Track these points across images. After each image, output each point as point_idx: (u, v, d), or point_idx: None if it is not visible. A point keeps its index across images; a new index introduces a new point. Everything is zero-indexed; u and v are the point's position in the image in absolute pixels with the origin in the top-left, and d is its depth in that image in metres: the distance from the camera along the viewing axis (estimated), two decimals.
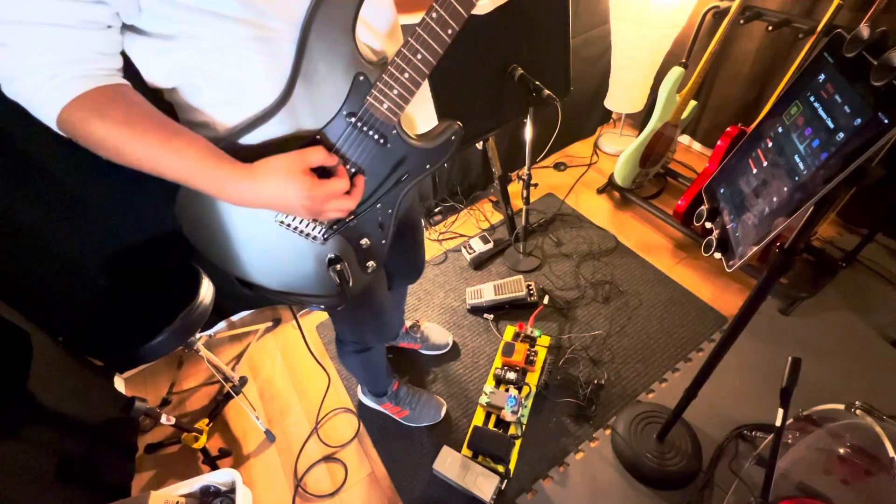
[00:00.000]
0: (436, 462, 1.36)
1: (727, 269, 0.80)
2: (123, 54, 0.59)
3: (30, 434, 1.17)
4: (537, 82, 1.40)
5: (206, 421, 1.50)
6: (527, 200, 1.80)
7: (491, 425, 1.45)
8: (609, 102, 2.33)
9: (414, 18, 0.81)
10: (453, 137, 0.75)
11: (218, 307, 1.65)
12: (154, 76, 0.61)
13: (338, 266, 0.77)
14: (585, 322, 1.75)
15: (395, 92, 0.65)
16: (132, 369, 1.78)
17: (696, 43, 1.85)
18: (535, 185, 1.83)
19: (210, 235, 0.72)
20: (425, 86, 0.80)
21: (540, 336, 1.63)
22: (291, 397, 1.67)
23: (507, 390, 1.49)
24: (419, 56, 0.63)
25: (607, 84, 2.29)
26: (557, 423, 1.48)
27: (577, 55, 2.08)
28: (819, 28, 1.46)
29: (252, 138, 0.63)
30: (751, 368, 1.54)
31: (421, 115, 0.86)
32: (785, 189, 0.69)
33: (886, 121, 0.53)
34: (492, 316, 1.80)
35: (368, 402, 1.56)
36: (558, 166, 2.48)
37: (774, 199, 0.71)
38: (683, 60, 1.82)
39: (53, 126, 0.55)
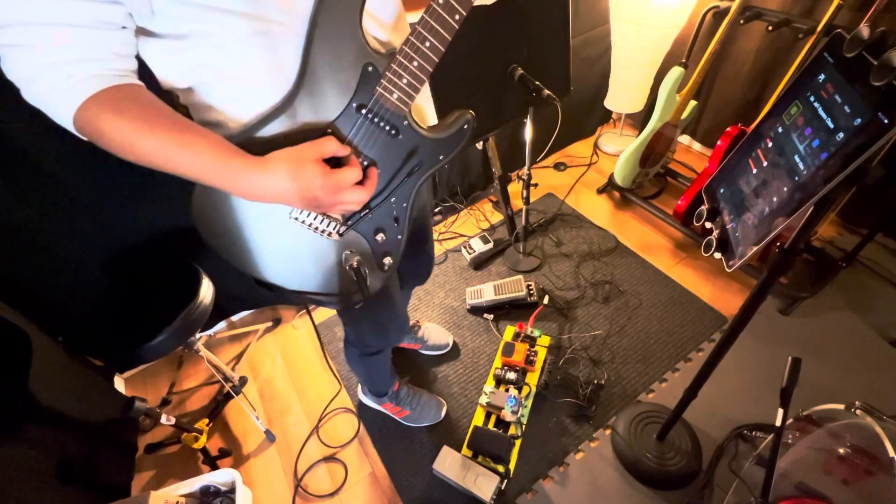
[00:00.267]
0: (436, 462, 1.36)
1: (727, 269, 0.80)
2: (138, 58, 0.59)
3: (30, 434, 1.17)
4: (537, 82, 1.40)
5: (206, 421, 1.50)
6: (527, 200, 1.80)
7: (491, 425, 1.45)
8: (609, 102, 2.33)
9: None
10: (466, 127, 0.74)
11: (218, 307, 1.65)
12: (169, 77, 0.62)
13: (354, 262, 0.76)
14: (585, 322, 1.75)
15: (405, 81, 0.64)
16: (132, 369, 1.78)
17: (696, 43, 1.85)
18: (535, 185, 1.83)
19: (226, 236, 0.72)
20: None
21: (540, 336, 1.63)
22: (291, 397, 1.67)
23: (507, 390, 1.49)
24: (427, 43, 0.62)
25: (607, 84, 2.29)
26: (557, 423, 1.48)
27: (577, 55, 2.08)
28: (819, 28, 1.46)
29: (264, 133, 0.63)
30: (751, 368, 1.54)
31: (431, 107, 0.86)
32: (785, 189, 0.69)
33: (886, 121, 0.53)
34: (492, 316, 1.80)
35: (369, 402, 1.56)
36: (558, 166, 2.48)
37: (774, 199, 0.71)
38: (683, 60, 1.82)
39: (70, 126, 0.56)
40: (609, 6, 2.02)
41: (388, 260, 0.83)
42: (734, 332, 0.96)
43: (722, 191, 0.87)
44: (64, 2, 0.50)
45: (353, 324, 1.15)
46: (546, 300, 1.79)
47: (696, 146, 2.45)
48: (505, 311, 1.81)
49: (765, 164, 0.76)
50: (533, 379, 1.53)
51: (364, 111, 0.66)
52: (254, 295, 1.86)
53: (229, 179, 0.60)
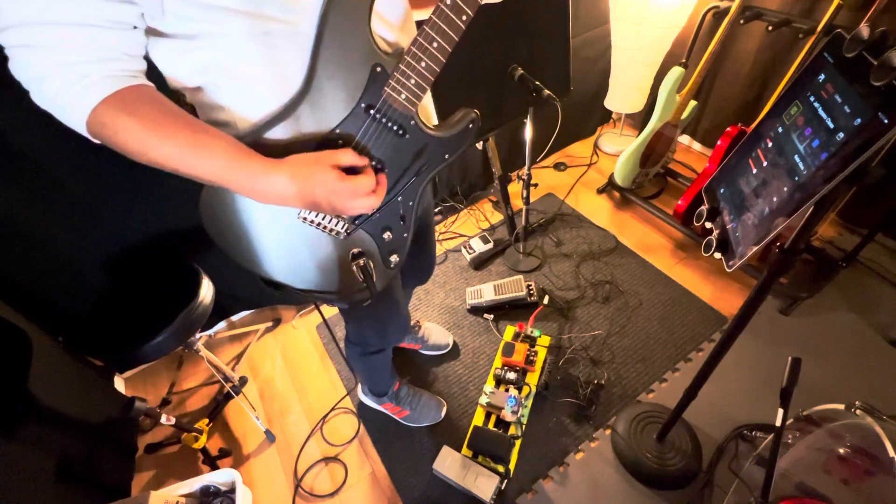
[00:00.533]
0: (436, 462, 1.36)
1: (727, 269, 0.80)
2: (145, 58, 0.59)
3: (30, 434, 1.17)
4: (537, 82, 1.40)
5: (206, 421, 1.50)
6: (527, 200, 1.80)
7: (491, 425, 1.45)
8: (609, 102, 2.33)
9: (427, 14, 0.82)
10: (471, 126, 0.75)
11: (218, 307, 1.65)
12: (178, 77, 0.62)
13: (360, 261, 0.77)
14: (585, 322, 1.75)
15: (413, 82, 0.65)
16: (132, 369, 1.78)
17: (696, 43, 1.85)
18: (535, 185, 1.83)
19: (234, 236, 0.73)
20: None
21: (540, 336, 1.63)
22: (291, 397, 1.67)
23: (507, 390, 1.49)
24: (435, 44, 0.63)
25: (607, 84, 2.29)
26: (557, 423, 1.48)
27: (577, 55, 2.08)
28: (819, 28, 1.46)
29: (274, 134, 0.64)
30: (751, 368, 1.54)
31: (433, 106, 0.87)
32: (785, 189, 0.69)
33: (886, 121, 0.53)
34: (492, 316, 1.80)
35: (369, 401, 1.56)
36: (558, 166, 2.48)
37: (774, 199, 0.71)
38: (683, 60, 1.82)
39: (81, 129, 0.56)
40: (609, 6, 2.02)
41: (394, 258, 0.84)
42: (734, 332, 0.96)
43: (722, 191, 0.87)
44: (76, 1, 0.49)
45: (354, 322, 1.15)
46: (546, 300, 1.79)
47: (696, 146, 2.45)
48: (505, 311, 1.81)
49: (765, 164, 0.76)
50: (533, 379, 1.53)
51: (372, 111, 0.66)
52: (254, 295, 1.86)
53: (246, 182, 0.60)
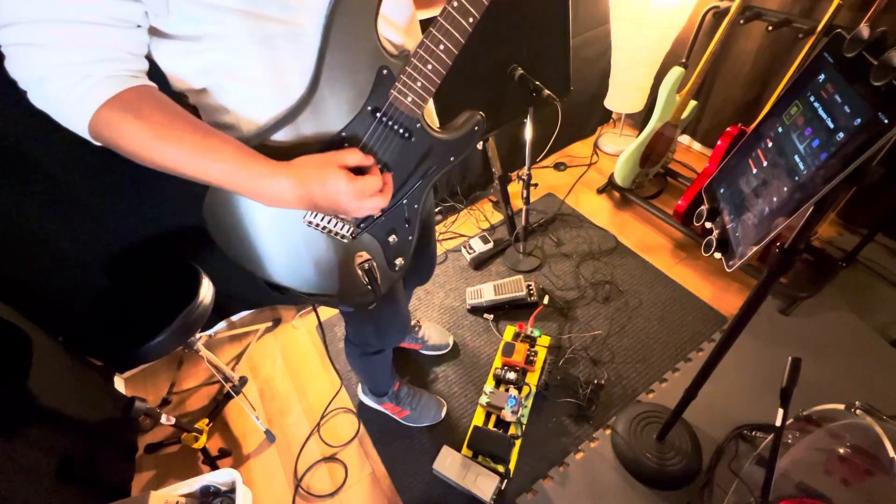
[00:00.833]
0: (436, 462, 1.36)
1: (727, 269, 0.80)
2: (148, 59, 0.58)
3: (30, 434, 1.17)
4: (537, 82, 1.40)
5: (206, 421, 1.50)
6: (527, 200, 1.80)
7: (491, 425, 1.45)
8: (609, 102, 2.33)
9: (432, 13, 0.82)
10: (476, 128, 0.76)
11: (218, 307, 1.65)
12: (182, 78, 0.61)
13: (365, 264, 0.77)
14: (585, 322, 1.75)
15: (419, 84, 0.65)
16: (132, 369, 1.78)
17: (696, 43, 1.85)
18: (535, 185, 1.83)
19: (238, 239, 0.72)
20: None
21: (540, 336, 1.63)
22: (291, 397, 1.67)
23: (507, 390, 1.49)
24: (441, 46, 0.63)
25: (607, 84, 2.29)
26: (557, 423, 1.48)
27: (577, 55, 2.07)
28: (819, 28, 1.46)
29: (279, 137, 0.63)
30: (751, 368, 1.54)
31: (434, 106, 0.87)
32: (785, 189, 0.69)
33: (886, 121, 0.53)
34: (492, 316, 1.80)
35: (369, 401, 1.56)
36: (558, 166, 2.48)
37: (774, 199, 0.71)
38: (683, 60, 1.82)
39: (83, 131, 0.54)
40: (609, 6, 2.02)
41: (399, 261, 0.84)
42: (734, 332, 0.96)
43: (722, 191, 0.87)
44: None
45: (355, 323, 1.15)
46: (546, 300, 1.79)
47: (696, 146, 2.45)
48: (505, 311, 1.81)
49: (765, 164, 0.76)
50: (533, 379, 1.53)
51: (378, 114, 0.66)
52: (254, 295, 1.86)
53: (252, 184, 0.59)
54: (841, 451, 1.05)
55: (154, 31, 0.56)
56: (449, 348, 1.71)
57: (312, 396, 1.66)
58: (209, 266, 1.43)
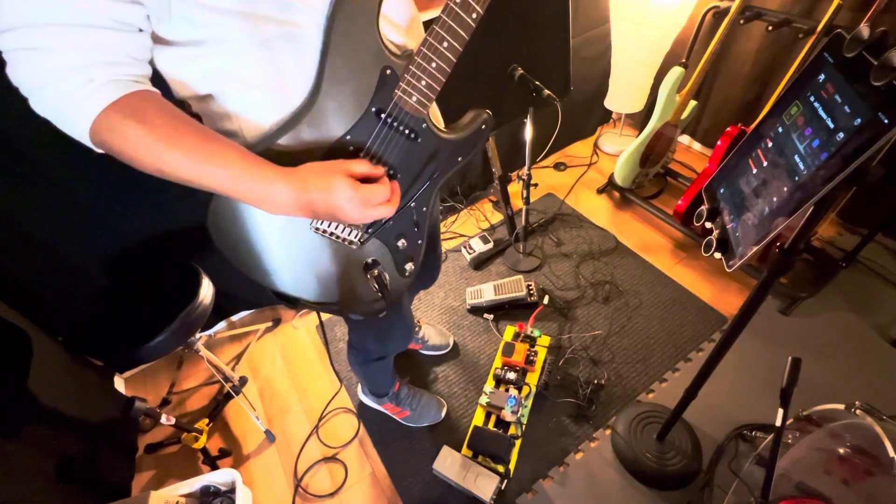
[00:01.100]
0: (436, 462, 1.36)
1: (727, 269, 0.80)
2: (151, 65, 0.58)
3: (30, 434, 1.17)
4: (537, 82, 1.40)
5: (206, 421, 1.50)
6: (527, 200, 1.80)
7: (491, 425, 1.45)
8: (609, 102, 2.33)
9: (435, 13, 0.82)
10: (483, 127, 0.75)
11: (218, 307, 1.65)
12: (184, 84, 0.60)
13: (375, 271, 0.76)
14: (585, 322, 1.75)
15: (424, 83, 0.64)
16: (132, 369, 1.78)
17: (696, 43, 1.85)
18: (535, 185, 1.83)
19: (245, 250, 0.71)
20: None
21: (540, 336, 1.63)
22: (291, 397, 1.67)
23: (507, 390, 1.49)
24: (445, 43, 0.62)
25: (607, 84, 2.29)
26: (557, 423, 1.48)
27: (577, 55, 2.07)
28: (819, 28, 1.46)
29: (284, 142, 0.62)
30: (751, 368, 1.54)
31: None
32: (785, 189, 0.69)
33: (886, 121, 0.53)
34: (492, 316, 1.80)
35: (369, 402, 1.56)
36: (558, 166, 2.48)
37: (774, 199, 0.71)
38: (683, 60, 1.82)
39: (85, 135, 0.53)
40: (609, 6, 2.02)
41: (409, 266, 0.81)
42: (734, 332, 0.96)
43: (722, 191, 0.87)
44: (82, 1, 0.47)
45: (360, 331, 1.13)
46: (546, 300, 1.79)
47: (696, 146, 2.45)
48: (505, 311, 1.81)
49: (765, 164, 0.76)
50: (533, 379, 1.53)
51: (383, 116, 0.65)
52: (254, 295, 1.86)
53: (259, 192, 0.58)
54: (841, 451, 1.05)
55: (156, 39, 0.55)
56: (449, 348, 1.71)
57: (312, 396, 1.66)
58: (209, 266, 1.43)
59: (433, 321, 1.81)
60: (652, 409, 1.44)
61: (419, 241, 0.80)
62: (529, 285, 1.80)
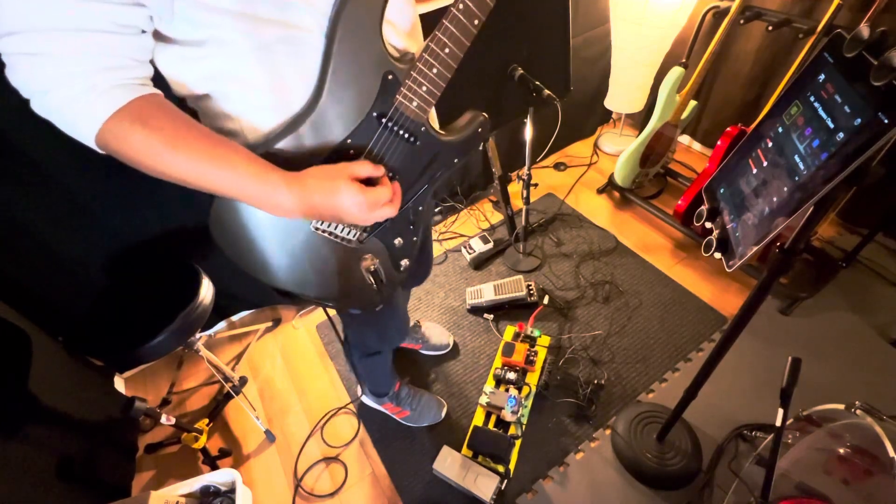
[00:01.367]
0: (436, 462, 1.36)
1: (727, 269, 0.80)
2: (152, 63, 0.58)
3: (30, 434, 1.17)
4: (537, 82, 1.40)
5: (206, 421, 1.50)
6: (527, 200, 1.80)
7: (491, 425, 1.45)
8: (609, 102, 2.33)
9: (432, 6, 0.83)
10: (480, 129, 0.76)
11: (218, 307, 1.65)
12: (184, 84, 0.60)
13: (372, 267, 0.78)
14: (585, 322, 1.75)
15: (425, 88, 0.65)
16: (132, 369, 1.78)
17: (696, 43, 1.85)
18: (535, 185, 1.83)
19: (246, 248, 0.72)
20: None
21: (540, 336, 1.63)
22: (291, 397, 1.67)
23: (507, 390, 1.49)
24: (447, 50, 0.63)
25: (607, 84, 2.29)
26: (557, 423, 1.48)
27: (577, 55, 2.08)
28: (819, 28, 1.46)
29: (285, 145, 0.63)
30: (751, 368, 1.54)
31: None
32: (785, 189, 0.69)
33: (886, 121, 0.53)
34: (492, 316, 1.80)
35: (369, 402, 1.56)
36: (558, 166, 2.48)
37: (774, 199, 0.71)
38: (683, 60, 1.82)
39: (90, 141, 0.53)
40: (609, 6, 2.02)
41: (404, 262, 0.84)
42: (734, 332, 0.96)
43: (722, 191, 0.87)
44: (81, 4, 0.46)
45: (354, 326, 1.15)
46: (546, 300, 1.79)
47: (696, 146, 2.45)
48: (505, 311, 1.81)
49: (765, 164, 0.76)
50: (533, 379, 1.53)
51: (384, 120, 0.66)
52: (254, 295, 1.86)
53: (265, 196, 0.59)
54: (841, 451, 1.05)
55: (157, 36, 0.55)
56: (449, 348, 1.71)
57: (312, 396, 1.66)
58: (209, 266, 1.43)
59: (433, 321, 1.81)
60: (652, 409, 1.44)
61: (414, 239, 0.82)
62: (529, 285, 1.80)
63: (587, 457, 1.41)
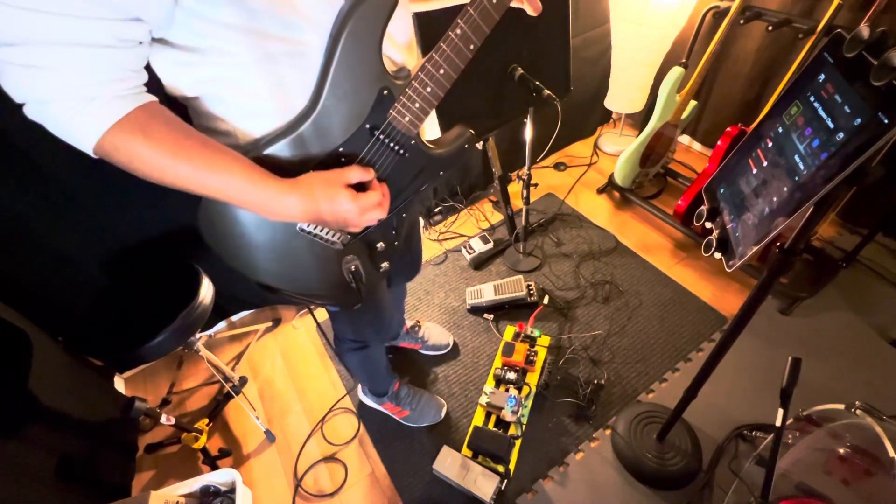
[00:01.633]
0: (436, 462, 1.36)
1: (727, 269, 0.80)
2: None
3: (30, 434, 1.17)
4: (537, 82, 1.40)
5: (206, 421, 1.50)
6: (527, 200, 1.80)
7: (491, 425, 1.45)
8: (609, 102, 2.33)
9: (429, 6, 0.84)
10: (466, 145, 0.79)
11: (218, 307, 1.65)
12: (178, 87, 0.60)
13: (352, 266, 0.80)
14: (585, 322, 1.75)
15: (418, 105, 0.67)
16: (132, 369, 1.78)
17: (696, 43, 1.85)
18: (535, 185, 1.83)
19: (233, 245, 0.73)
20: None
21: (540, 336, 1.63)
22: (291, 397, 1.67)
23: (507, 390, 1.49)
24: (442, 71, 0.65)
25: (607, 84, 2.29)
26: (557, 423, 1.48)
27: (577, 55, 2.08)
28: (819, 28, 1.46)
29: (277, 150, 0.64)
30: (751, 368, 1.54)
31: (431, 116, 0.89)
32: (785, 189, 0.69)
33: (886, 121, 0.53)
34: (492, 316, 1.80)
35: (369, 402, 1.56)
36: (558, 166, 2.48)
37: (774, 199, 0.71)
38: (683, 60, 1.82)
39: (89, 150, 0.53)
40: (609, 6, 2.02)
41: (385, 265, 0.87)
42: (734, 332, 0.96)
43: (722, 191, 0.87)
44: (81, 20, 0.46)
45: (339, 321, 1.17)
46: (546, 300, 1.78)
47: (696, 146, 2.45)
48: (505, 311, 1.81)
49: (765, 164, 0.76)
50: (533, 379, 1.53)
51: (376, 133, 0.67)
52: (254, 295, 1.86)
53: (260, 202, 0.60)
54: (841, 451, 1.05)
55: (155, 40, 0.55)
56: (449, 348, 1.71)
57: (312, 396, 1.66)
58: (209, 266, 1.43)
59: (433, 321, 1.81)
60: (652, 409, 1.44)
61: (395, 243, 0.86)
62: (529, 285, 1.80)
63: (587, 457, 1.41)
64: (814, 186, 0.63)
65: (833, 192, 0.61)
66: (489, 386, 1.51)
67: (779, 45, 1.87)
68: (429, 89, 0.66)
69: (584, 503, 1.32)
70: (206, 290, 1.35)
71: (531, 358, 1.55)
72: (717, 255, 0.83)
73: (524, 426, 1.44)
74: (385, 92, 0.65)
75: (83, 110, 0.50)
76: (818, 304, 1.69)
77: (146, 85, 0.57)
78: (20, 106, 0.51)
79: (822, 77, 0.66)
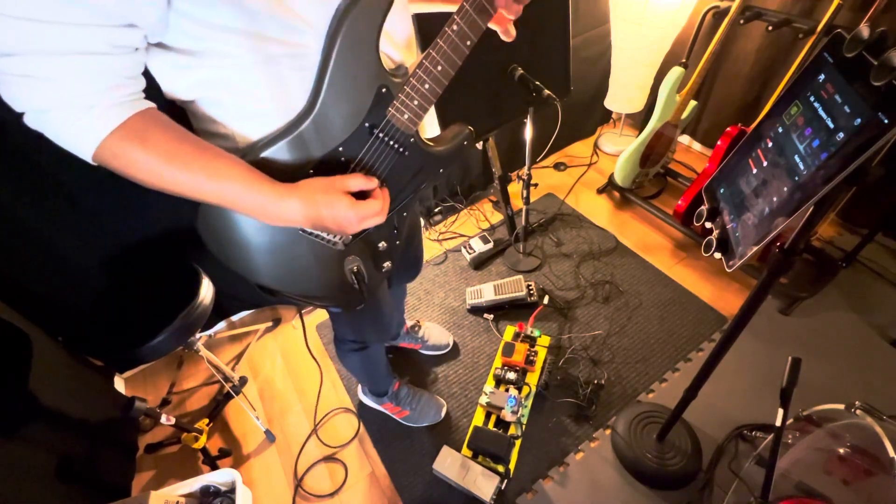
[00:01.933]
0: (436, 462, 1.36)
1: (727, 269, 0.80)
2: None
3: (30, 434, 1.17)
4: (537, 82, 1.40)
5: (206, 421, 1.50)
6: (527, 200, 1.80)
7: (491, 425, 1.45)
8: (609, 102, 2.33)
9: (428, 7, 0.84)
10: (465, 143, 0.79)
11: (218, 307, 1.65)
12: (175, 89, 0.60)
13: (354, 267, 0.80)
14: (585, 322, 1.75)
15: (416, 103, 0.67)
16: (132, 369, 1.78)
17: (696, 43, 1.85)
18: (535, 185, 1.83)
19: (234, 248, 0.73)
20: None
21: (540, 336, 1.63)
22: (291, 397, 1.67)
23: (507, 390, 1.49)
24: (439, 68, 0.65)
25: (607, 84, 2.29)
26: (557, 423, 1.48)
27: (577, 55, 2.08)
28: (819, 28, 1.46)
29: (277, 153, 0.64)
30: (751, 368, 1.54)
31: (430, 114, 0.89)
32: (785, 189, 0.69)
33: (886, 121, 0.53)
34: (492, 316, 1.80)
35: (369, 401, 1.56)
36: (558, 166, 2.48)
37: (774, 199, 0.71)
38: (683, 60, 1.82)
39: (87, 157, 0.53)
40: (609, 6, 2.02)
41: (387, 264, 0.87)
42: (734, 332, 0.96)
43: (722, 191, 0.87)
44: (78, 30, 0.46)
45: (338, 321, 1.17)
46: (546, 300, 1.79)
47: (696, 146, 2.45)
48: (505, 311, 1.81)
49: (765, 164, 0.76)
50: (533, 379, 1.53)
51: (376, 131, 0.67)
52: (254, 295, 1.86)
53: (260, 207, 0.60)
54: (841, 451, 1.05)
55: (153, 44, 0.55)
56: (449, 348, 1.71)
57: (312, 396, 1.66)
58: (209, 266, 1.43)
59: (433, 321, 1.81)
60: (652, 409, 1.44)
61: (397, 242, 0.85)
62: (529, 285, 1.80)
63: (587, 457, 1.41)
64: (814, 186, 0.63)
65: (833, 192, 0.61)
66: (489, 386, 1.51)
67: (779, 45, 1.87)
68: (427, 86, 0.65)
69: (584, 503, 1.32)
70: (206, 290, 1.35)
71: (531, 358, 1.55)
72: (717, 255, 0.83)
73: (524, 426, 1.44)
74: (383, 90, 0.65)
75: (81, 119, 0.50)
76: (818, 304, 1.69)
77: (145, 91, 0.57)
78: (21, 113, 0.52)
79: (822, 77, 0.66)
